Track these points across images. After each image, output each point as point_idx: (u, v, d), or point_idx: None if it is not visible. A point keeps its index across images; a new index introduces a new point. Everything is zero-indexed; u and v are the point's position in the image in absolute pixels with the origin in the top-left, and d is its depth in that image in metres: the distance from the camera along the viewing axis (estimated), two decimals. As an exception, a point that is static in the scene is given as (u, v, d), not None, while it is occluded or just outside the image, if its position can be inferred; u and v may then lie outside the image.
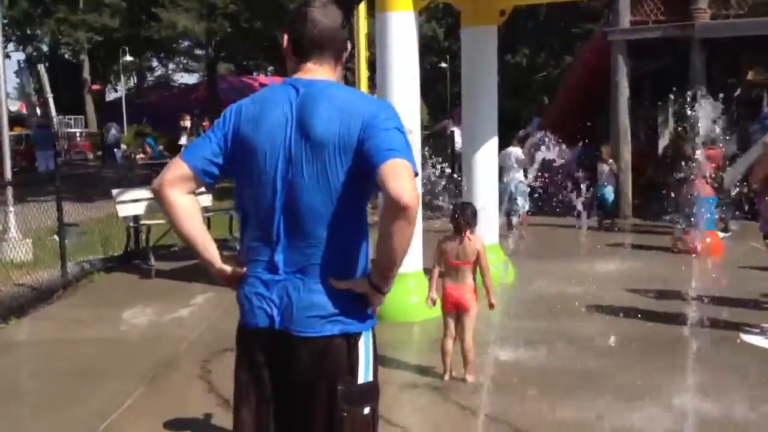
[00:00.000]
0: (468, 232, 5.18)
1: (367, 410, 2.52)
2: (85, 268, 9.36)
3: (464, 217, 5.20)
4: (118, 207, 9.69)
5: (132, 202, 9.79)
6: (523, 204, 11.03)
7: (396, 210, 2.30)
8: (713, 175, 9.88)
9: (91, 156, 31.81)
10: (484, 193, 8.37)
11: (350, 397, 2.48)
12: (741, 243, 9.84)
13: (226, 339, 6.26)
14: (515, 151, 11.50)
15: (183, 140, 15.53)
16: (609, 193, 12.51)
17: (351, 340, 2.50)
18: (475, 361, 5.34)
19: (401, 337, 6.74)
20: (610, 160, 12.55)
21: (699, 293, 6.87)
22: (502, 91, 26.08)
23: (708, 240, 9.88)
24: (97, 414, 4.90)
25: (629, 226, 12.74)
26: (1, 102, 10.51)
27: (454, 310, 5.35)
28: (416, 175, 2.39)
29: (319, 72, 2.59)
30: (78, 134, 32.76)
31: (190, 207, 2.61)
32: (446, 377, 5.33)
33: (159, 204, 2.64)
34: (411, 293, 7.06)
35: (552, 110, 18.64)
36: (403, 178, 2.32)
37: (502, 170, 11.21)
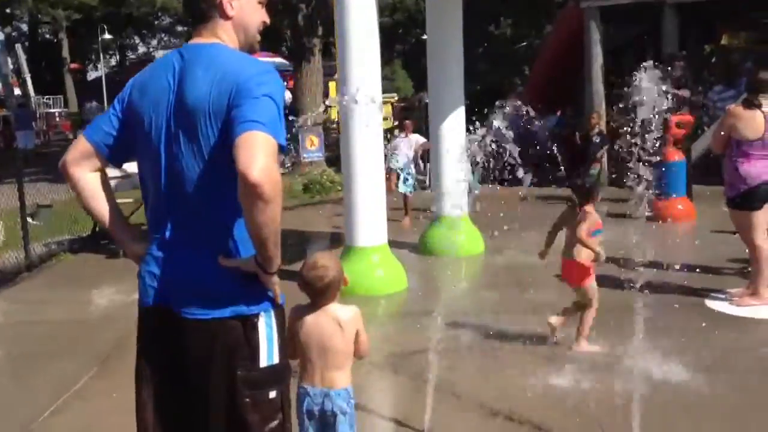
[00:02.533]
0: (586, 205, 5.14)
1: (273, 394, 2.42)
2: (52, 249, 9.25)
3: (579, 190, 5.22)
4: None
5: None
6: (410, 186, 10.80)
7: (246, 188, 2.12)
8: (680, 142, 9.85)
9: (71, 136, 31.48)
10: (451, 160, 8.23)
11: (252, 382, 2.37)
12: (713, 208, 9.80)
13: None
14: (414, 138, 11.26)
15: None
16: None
17: (248, 322, 2.36)
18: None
19: (364, 311, 6.67)
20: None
21: (667, 259, 6.83)
22: (485, 63, 25.78)
23: (680, 206, 9.86)
24: (45, 396, 4.82)
25: (605, 195, 12.67)
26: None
27: (574, 285, 5.32)
28: (283, 150, 2.23)
29: (204, 34, 2.47)
30: (57, 114, 32.37)
31: (95, 185, 2.56)
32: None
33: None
34: (376, 267, 7.00)
35: (531, 81, 18.53)
36: (257, 152, 2.12)
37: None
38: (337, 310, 3.07)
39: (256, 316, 2.38)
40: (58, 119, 31.22)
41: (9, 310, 7.09)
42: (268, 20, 2.56)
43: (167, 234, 2.41)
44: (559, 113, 15.73)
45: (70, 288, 7.71)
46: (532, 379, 4.77)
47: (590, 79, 13.19)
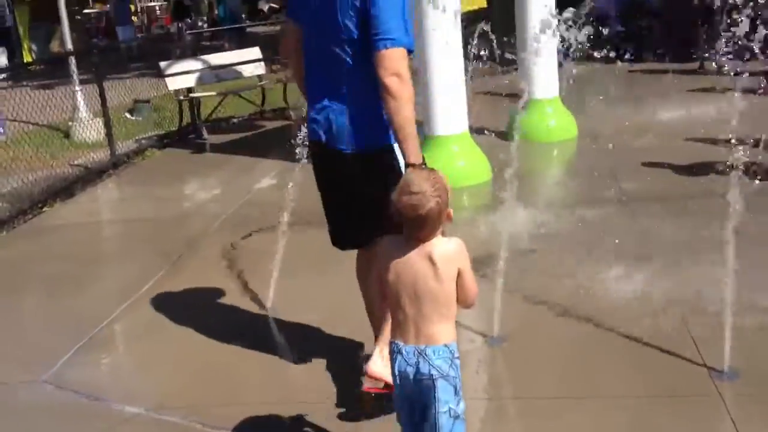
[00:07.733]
0: None
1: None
2: (141, 145, 9.29)
3: None
4: (168, 80, 9.43)
5: (182, 74, 9.52)
6: None
7: (381, 87, 2.89)
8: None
9: (173, 29, 31.56)
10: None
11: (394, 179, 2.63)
12: None
13: (259, 215, 6.03)
14: None
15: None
16: None
17: (383, 151, 3.05)
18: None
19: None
20: None
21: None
22: None
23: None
24: (114, 297, 4.81)
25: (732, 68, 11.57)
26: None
27: None
28: (411, 51, 2.94)
29: None
30: (158, 7, 32.48)
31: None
32: None
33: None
34: (456, 157, 6.64)
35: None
36: (388, 67, 2.87)
37: None
38: (431, 244, 2.42)
39: (391, 146, 3.05)
40: (158, 12, 31.31)
41: (87, 210, 7.13)
42: None
43: (322, 87, 3.14)
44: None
45: (151, 186, 7.68)
46: (617, 281, 4.37)
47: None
